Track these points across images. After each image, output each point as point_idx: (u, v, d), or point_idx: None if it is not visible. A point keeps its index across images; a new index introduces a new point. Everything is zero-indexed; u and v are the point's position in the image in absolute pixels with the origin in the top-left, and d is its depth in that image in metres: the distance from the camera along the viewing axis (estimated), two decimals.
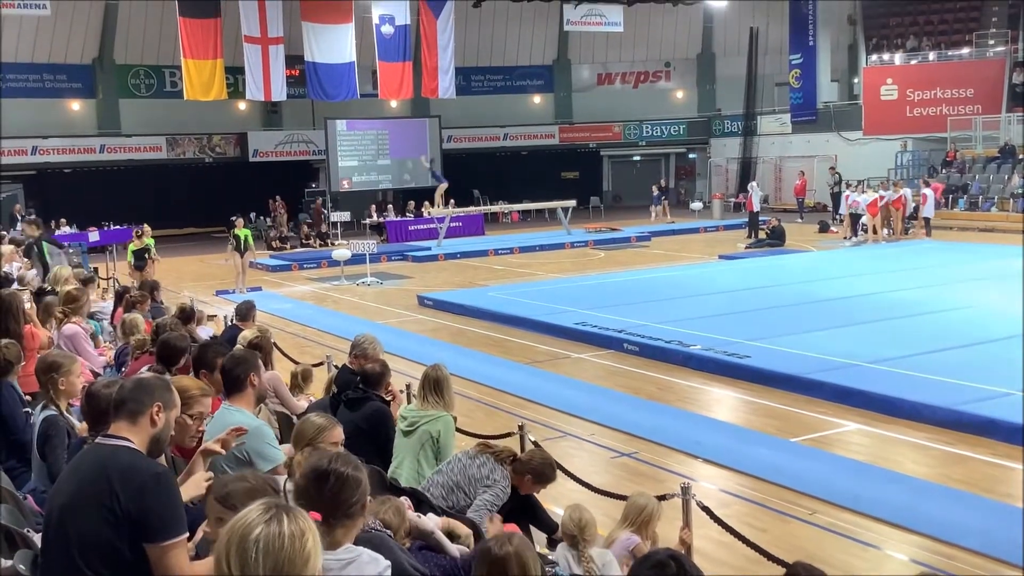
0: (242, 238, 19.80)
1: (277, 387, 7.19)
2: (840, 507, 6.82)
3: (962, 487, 7.18)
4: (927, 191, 25.33)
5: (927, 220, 25.18)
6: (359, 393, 6.16)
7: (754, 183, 29.62)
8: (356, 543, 3.16)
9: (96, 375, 7.62)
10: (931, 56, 33.02)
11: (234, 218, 20.63)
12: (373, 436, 5.88)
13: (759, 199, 27.64)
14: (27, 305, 8.91)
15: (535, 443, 6.94)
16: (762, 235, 25.28)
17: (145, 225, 20.20)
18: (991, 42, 32.14)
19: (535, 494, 5.44)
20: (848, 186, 27.36)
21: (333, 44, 29.15)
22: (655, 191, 33.05)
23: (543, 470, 5.34)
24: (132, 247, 19.46)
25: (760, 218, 26.93)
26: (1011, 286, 15.41)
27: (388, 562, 3.09)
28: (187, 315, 8.75)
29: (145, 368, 6.29)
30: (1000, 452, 7.88)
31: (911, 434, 8.52)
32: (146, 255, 18.96)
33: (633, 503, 5.09)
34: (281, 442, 4.97)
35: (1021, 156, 28.42)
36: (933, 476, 7.50)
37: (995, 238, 24.02)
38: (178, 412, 3.68)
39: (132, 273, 18.72)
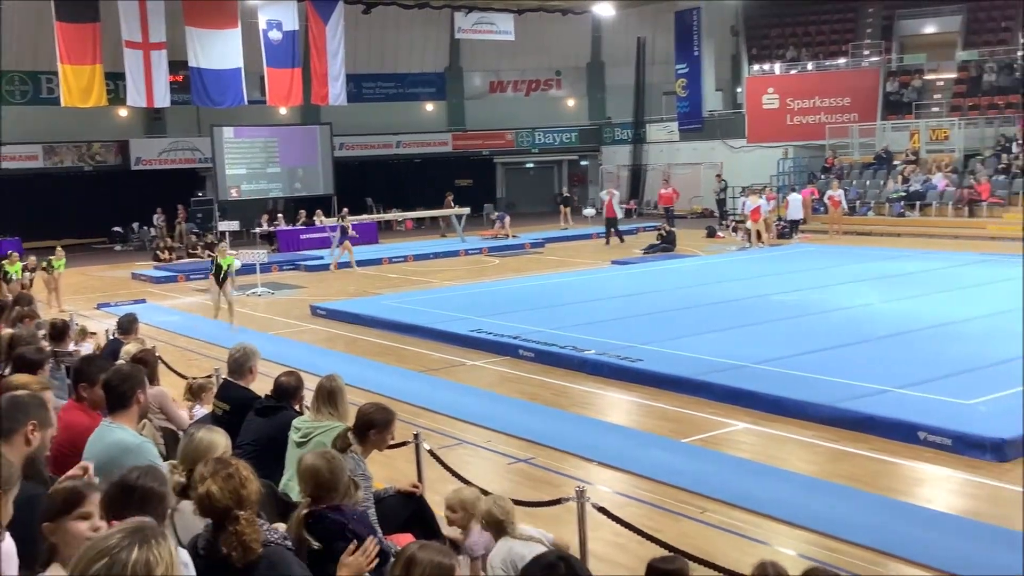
0: (224, 267, 16.41)
1: (163, 403, 6.96)
2: (730, 505, 6.98)
3: (846, 482, 7.42)
4: (758, 199, 25.97)
5: (795, 223, 26.37)
6: (272, 403, 6.08)
7: (604, 192, 29.97)
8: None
9: None
10: (810, 66, 34.18)
11: (215, 241, 19.25)
12: (285, 445, 5.82)
13: (617, 202, 28.32)
14: None
15: (430, 451, 6.91)
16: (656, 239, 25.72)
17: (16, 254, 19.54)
18: (866, 52, 33.51)
19: (426, 499, 5.41)
20: (746, 193, 28.03)
21: (219, 49, 28.42)
22: (494, 211, 33.51)
23: (375, 416, 5.35)
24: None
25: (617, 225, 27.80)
26: (888, 287, 16.21)
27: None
28: (59, 331, 8.38)
29: None
30: (879, 447, 8.18)
31: (797, 432, 8.78)
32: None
33: (463, 499, 5.19)
34: (166, 459, 4.81)
35: (896, 162, 29.69)
36: (819, 472, 7.73)
37: (872, 241, 25.06)
38: (54, 431, 3.53)
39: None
